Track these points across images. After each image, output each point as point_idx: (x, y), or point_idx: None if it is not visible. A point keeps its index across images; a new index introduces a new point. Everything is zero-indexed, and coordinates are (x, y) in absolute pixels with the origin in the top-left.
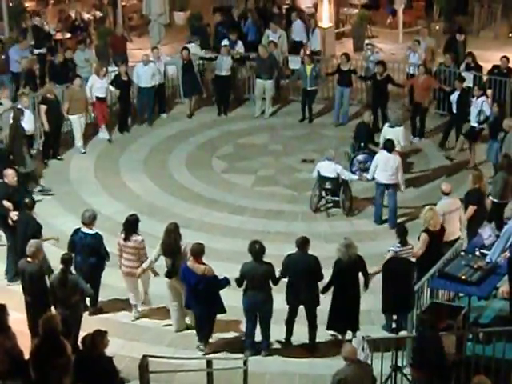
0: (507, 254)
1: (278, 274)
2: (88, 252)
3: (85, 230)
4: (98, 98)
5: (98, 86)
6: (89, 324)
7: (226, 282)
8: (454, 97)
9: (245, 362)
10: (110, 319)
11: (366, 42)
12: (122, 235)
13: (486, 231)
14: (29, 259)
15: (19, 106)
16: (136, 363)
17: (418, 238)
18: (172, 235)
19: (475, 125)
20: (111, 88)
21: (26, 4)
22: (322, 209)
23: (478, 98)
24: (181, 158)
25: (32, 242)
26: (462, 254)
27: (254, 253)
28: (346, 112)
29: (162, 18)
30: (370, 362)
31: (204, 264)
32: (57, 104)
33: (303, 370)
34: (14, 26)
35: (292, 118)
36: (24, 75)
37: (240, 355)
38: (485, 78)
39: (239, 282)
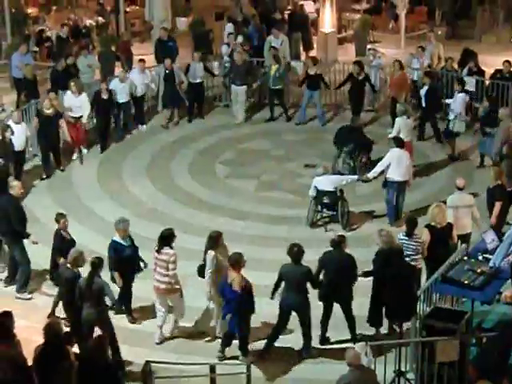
0: (510, 258)
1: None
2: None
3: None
4: (72, 117)
5: (73, 104)
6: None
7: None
8: (423, 91)
9: (248, 368)
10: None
11: (369, 46)
12: (156, 248)
13: (489, 236)
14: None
15: (8, 122)
16: (139, 369)
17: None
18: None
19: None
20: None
21: (29, 10)
22: (319, 223)
23: (459, 93)
24: (183, 164)
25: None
26: (465, 258)
27: (293, 255)
28: (320, 114)
29: (165, 24)
30: (373, 367)
31: (238, 274)
32: (54, 118)
33: (306, 376)
34: (16, 32)
35: (293, 124)
36: (24, 83)
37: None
38: (487, 82)
39: (276, 283)
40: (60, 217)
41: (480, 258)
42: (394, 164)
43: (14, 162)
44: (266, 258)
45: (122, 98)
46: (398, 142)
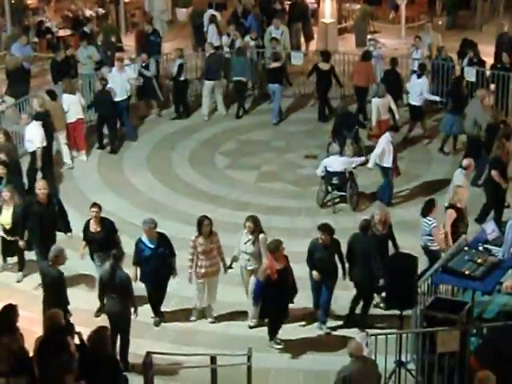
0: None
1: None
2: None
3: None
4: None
5: (72, 104)
6: (92, 322)
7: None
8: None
9: (249, 358)
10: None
11: (369, 37)
12: (196, 234)
13: (489, 226)
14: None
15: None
16: (140, 360)
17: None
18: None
19: (416, 103)
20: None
21: (28, 1)
22: (328, 204)
23: (418, 77)
24: (184, 155)
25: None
26: (466, 248)
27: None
28: (276, 109)
29: (165, 15)
30: (373, 357)
31: (278, 261)
32: (46, 117)
33: (307, 367)
34: (16, 23)
35: (294, 114)
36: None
37: (244, 351)
38: (488, 72)
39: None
40: (91, 206)
41: (480, 248)
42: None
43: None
44: None
45: (121, 94)
46: (393, 128)
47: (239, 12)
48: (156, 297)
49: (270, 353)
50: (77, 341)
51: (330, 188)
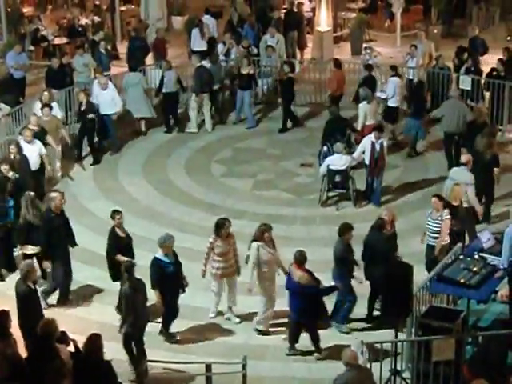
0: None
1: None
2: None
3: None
4: None
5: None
6: (87, 329)
7: (329, 290)
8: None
9: (244, 367)
10: (107, 324)
11: (365, 45)
12: (214, 236)
13: (485, 235)
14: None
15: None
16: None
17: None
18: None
19: (393, 105)
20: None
21: (24, 9)
22: (328, 202)
23: (391, 76)
24: (180, 162)
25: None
26: (461, 257)
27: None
28: (249, 115)
29: (160, 23)
30: (368, 365)
31: (305, 271)
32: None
33: (302, 374)
34: (12, 31)
35: (289, 123)
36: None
37: (238, 359)
38: (482, 81)
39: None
40: (115, 214)
41: (476, 256)
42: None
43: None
44: None
45: (106, 108)
46: (378, 128)
47: (235, 21)
48: (176, 311)
49: (264, 361)
50: (72, 348)
51: (330, 186)
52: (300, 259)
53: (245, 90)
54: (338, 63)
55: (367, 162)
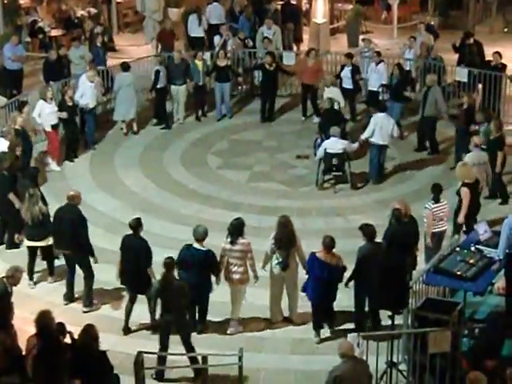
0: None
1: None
2: (198, 269)
3: (197, 246)
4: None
5: (47, 112)
6: (82, 321)
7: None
8: (345, 73)
9: (240, 358)
10: (104, 316)
11: (362, 37)
12: (228, 239)
13: (482, 227)
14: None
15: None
16: (131, 359)
17: (457, 193)
18: (288, 227)
19: (376, 89)
20: (60, 114)
21: (21, 1)
22: (325, 186)
23: (377, 64)
24: (176, 155)
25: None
26: (458, 249)
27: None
28: (228, 106)
29: (157, 15)
30: (365, 357)
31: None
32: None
33: (299, 366)
34: (8, 23)
35: (286, 115)
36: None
37: (235, 351)
38: (475, 71)
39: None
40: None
41: (472, 249)
42: (378, 128)
43: None
44: (259, 248)
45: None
46: (381, 106)
47: (236, 11)
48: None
49: (261, 353)
50: (68, 340)
51: (327, 169)
52: (331, 244)
53: (224, 83)
54: (317, 53)
55: (378, 141)
